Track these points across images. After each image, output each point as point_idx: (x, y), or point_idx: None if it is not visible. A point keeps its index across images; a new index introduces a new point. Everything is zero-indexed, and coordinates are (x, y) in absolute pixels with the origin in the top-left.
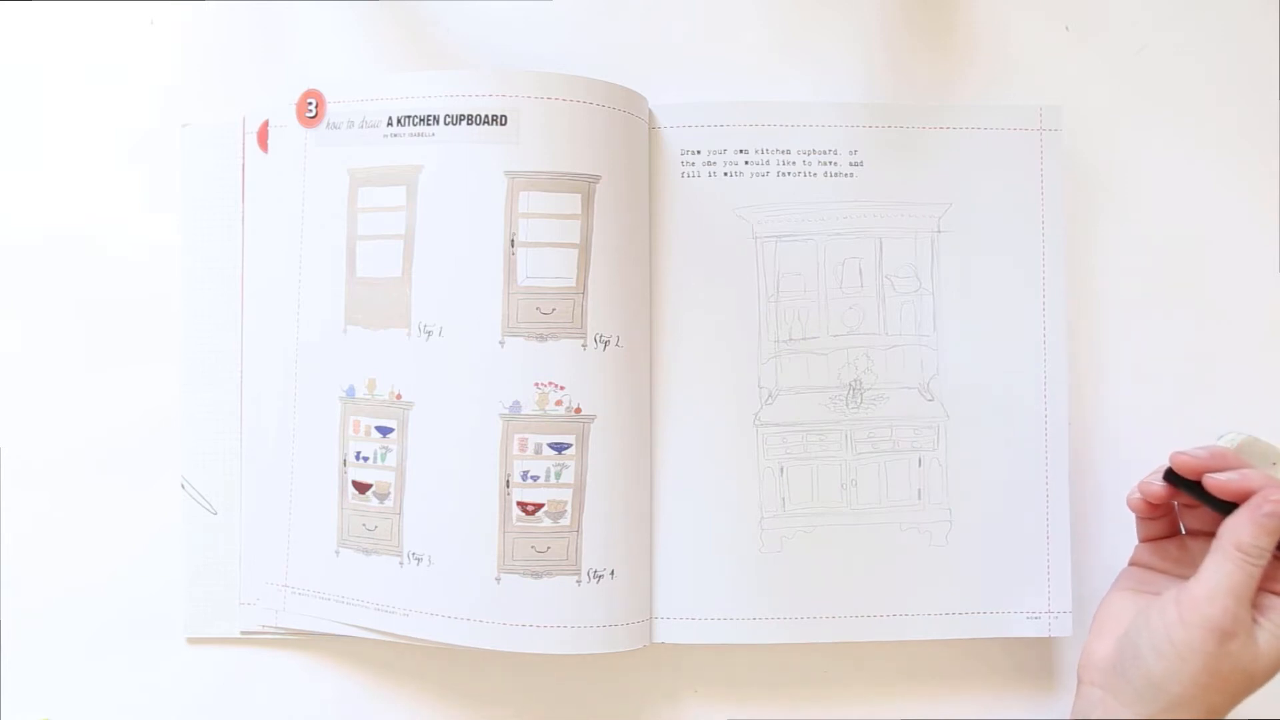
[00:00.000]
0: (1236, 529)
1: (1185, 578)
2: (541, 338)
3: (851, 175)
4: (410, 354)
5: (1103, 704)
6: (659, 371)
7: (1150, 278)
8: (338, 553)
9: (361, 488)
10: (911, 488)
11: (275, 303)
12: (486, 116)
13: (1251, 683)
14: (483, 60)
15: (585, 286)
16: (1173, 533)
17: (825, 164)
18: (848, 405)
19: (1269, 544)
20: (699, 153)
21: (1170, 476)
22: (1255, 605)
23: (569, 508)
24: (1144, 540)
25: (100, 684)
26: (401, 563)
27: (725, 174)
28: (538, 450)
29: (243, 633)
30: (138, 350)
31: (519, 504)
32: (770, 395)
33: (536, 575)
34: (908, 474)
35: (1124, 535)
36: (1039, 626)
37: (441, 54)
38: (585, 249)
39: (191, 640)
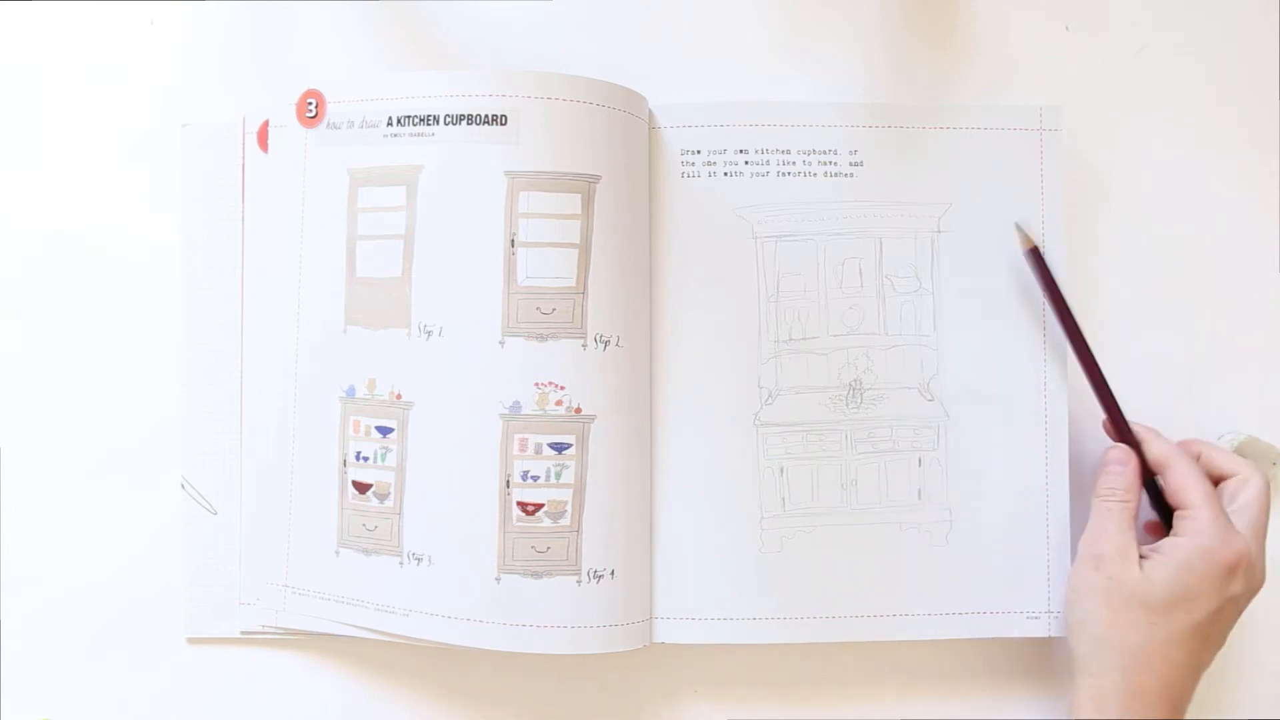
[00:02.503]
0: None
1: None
2: (541, 338)
3: (851, 175)
4: (410, 354)
5: (1074, 686)
6: (659, 371)
7: (1150, 278)
8: (338, 553)
9: (361, 488)
10: (911, 488)
11: (275, 303)
12: (486, 116)
13: (1152, 613)
14: (483, 60)
15: (585, 286)
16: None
17: (825, 164)
18: (848, 405)
19: (1118, 484)
20: (699, 153)
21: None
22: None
23: (569, 508)
24: None
25: (100, 684)
26: (401, 563)
27: (725, 174)
28: (538, 450)
29: (243, 633)
30: (138, 350)
31: (519, 504)
32: (770, 395)
33: (536, 575)
34: (908, 474)
35: None
36: (1039, 626)
37: (441, 54)
38: (585, 249)
39: (191, 640)
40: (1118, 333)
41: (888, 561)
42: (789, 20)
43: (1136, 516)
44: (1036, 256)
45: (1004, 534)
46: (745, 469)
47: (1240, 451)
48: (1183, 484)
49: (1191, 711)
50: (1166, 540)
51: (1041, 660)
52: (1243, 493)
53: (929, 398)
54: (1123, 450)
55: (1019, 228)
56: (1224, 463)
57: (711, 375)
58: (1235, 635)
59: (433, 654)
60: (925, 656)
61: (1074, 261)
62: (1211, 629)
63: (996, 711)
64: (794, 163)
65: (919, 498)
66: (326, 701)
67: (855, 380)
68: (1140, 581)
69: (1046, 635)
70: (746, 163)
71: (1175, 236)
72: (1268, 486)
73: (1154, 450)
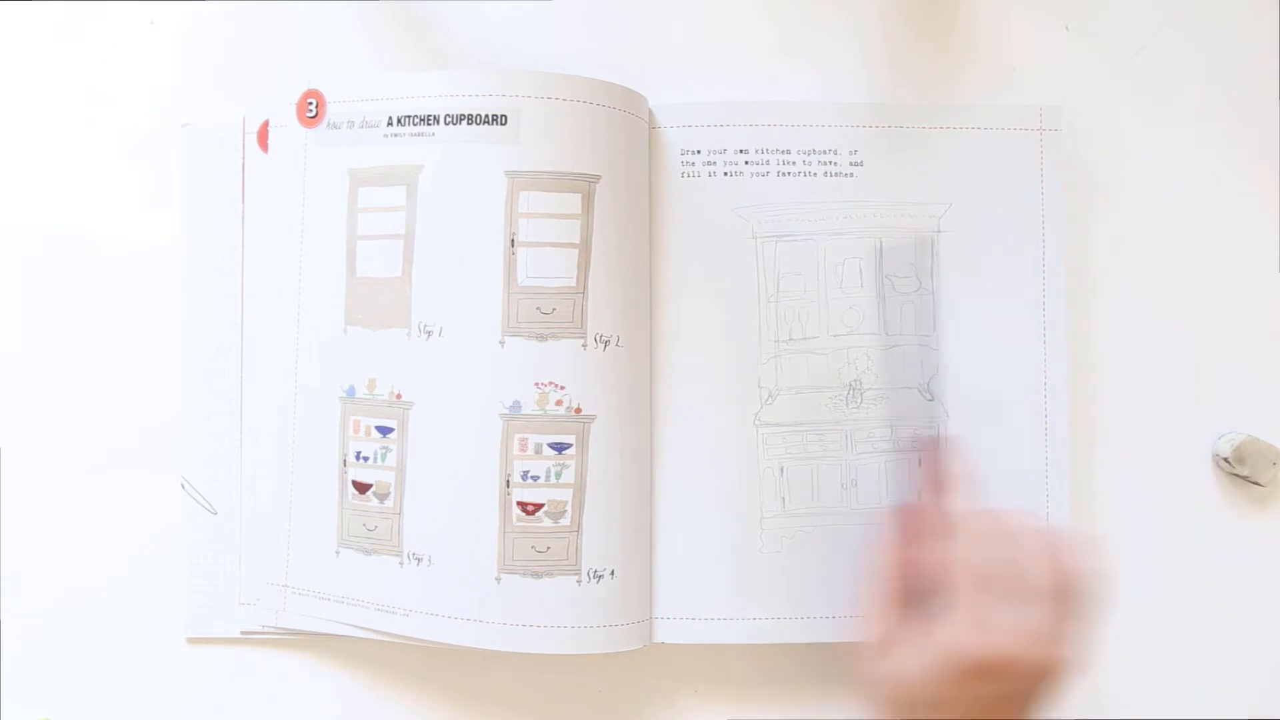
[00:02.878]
0: None
1: None
2: (542, 337)
3: (851, 175)
4: (410, 354)
5: None
6: (659, 371)
7: (1150, 277)
8: (338, 553)
9: (361, 488)
10: (911, 488)
11: (275, 302)
12: (487, 116)
13: (895, 709)
14: (483, 61)
15: (585, 286)
16: None
17: (825, 164)
18: (848, 405)
19: (888, 560)
20: (699, 153)
21: None
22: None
23: (569, 508)
24: None
25: (100, 684)
26: (401, 563)
27: (725, 174)
28: (538, 450)
29: (243, 633)
30: (138, 349)
31: (519, 504)
32: (770, 395)
33: (536, 575)
34: (908, 474)
35: (1124, 535)
36: None
37: (442, 55)
38: (585, 249)
39: (191, 640)
40: (1117, 332)
41: None
42: (789, 20)
43: (909, 590)
44: None
45: None
46: (745, 469)
47: (1240, 451)
48: (948, 564)
49: (1192, 708)
50: (922, 633)
51: None
52: (1032, 564)
53: (929, 398)
54: (902, 514)
55: None
56: (1010, 521)
57: (711, 375)
58: (1235, 634)
59: (433, 654)
60: None
61: (1074, 261)
62: None
63: None
64: (794, 163)
65: (919, 498)
66: (326, 701)
67: (855, 380)
68: (887, 677)
69: None
70: (746, 163)
71: (1175, 236)
72: (1067, 554)
73: (945, 508)
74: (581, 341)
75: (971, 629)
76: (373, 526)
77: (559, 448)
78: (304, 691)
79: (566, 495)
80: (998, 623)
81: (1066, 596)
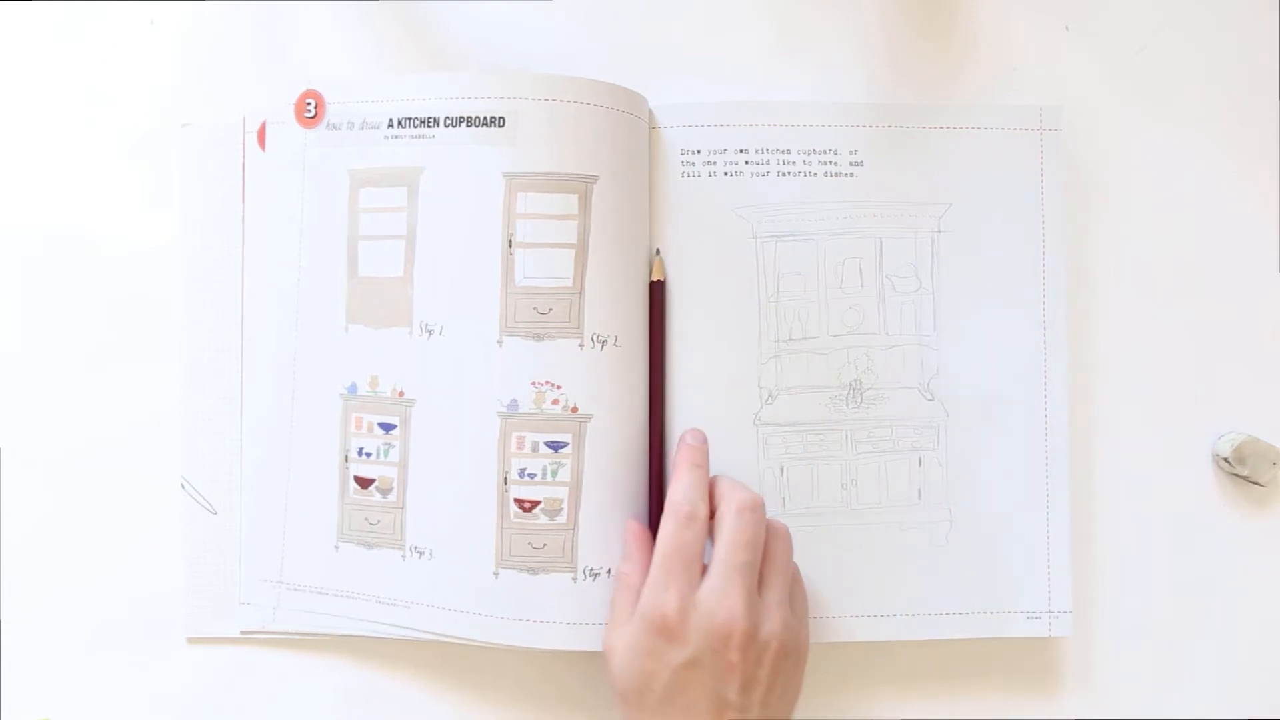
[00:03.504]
0: None
1: None
2: (539, 337)
3: (851, 175)
4: (412, 352)
5: None
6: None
7: (1150, 278)
8: (337, 547)
9: (364, 483)
10: (911, 488)
11: (275, 301)
12: (484, 119)
13: (623, 704)
14: (483, 61)
15: (582, 286)
16: None
17: (825, 164)
18: (848, 405)
19: (623, 568)
20: (699, 153)
21: None
22: None
23: (565, 505)
24: None
25: (100, 684)
26: (404, 556)
27: (725, 174)
28: (534, 448)
29: (243, 632)
30: (138, 349)
31: (516, 500)
32: (770, 395)
33: (533, 571)
34: (908, 474)
35: (1124, 535)
36: (1039, 626)
37: (442, 55)
38: (582, 249)
39: (191, 640)
40: (1117, 332)
41: (888, 561)
42: (789, 20)
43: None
44: (660, 289)
45: (1004, 534)
46: (745, 469)
47: (1240, 451)
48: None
49: (1192, 708)
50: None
51: (1041, 660)
52: (720, 529)
53: (929, 398)
54: (638, 525)
55: (658, 254)
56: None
57: (711, 375)
58: (1235, 634)
59: (433, 655)
60: (925, 656)
61: (1074, 261)
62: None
63: (997, 711)
64: (794, 163)
65: (919, 498)
66: (326, 701)
67: (855, 380)
68: (608, 656)
69: (1047, 635)
70: (746, 163)
71: (1175, 236)
72: (742, 518)
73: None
74: (578, 341)
75: (656, 592)
76: (375, 520)
77: (555, 446)
78: (304, 691)
79: (563, 493)
80: (673, 588)
81: (778, 579)
